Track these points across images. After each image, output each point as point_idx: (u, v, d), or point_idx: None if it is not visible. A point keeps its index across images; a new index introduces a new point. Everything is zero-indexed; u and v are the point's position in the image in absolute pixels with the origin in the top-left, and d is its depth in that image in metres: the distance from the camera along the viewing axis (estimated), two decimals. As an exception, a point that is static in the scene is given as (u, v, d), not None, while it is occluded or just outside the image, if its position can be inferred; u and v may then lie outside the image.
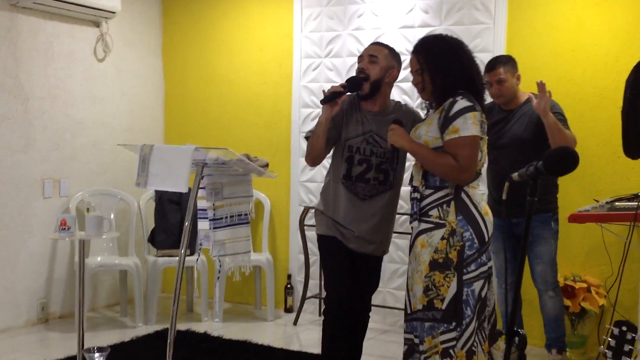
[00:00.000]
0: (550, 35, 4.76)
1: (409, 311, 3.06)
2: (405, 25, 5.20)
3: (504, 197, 2.54)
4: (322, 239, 3.59)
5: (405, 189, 5.15)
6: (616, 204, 3.71)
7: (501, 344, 2.89)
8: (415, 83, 3.13)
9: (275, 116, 5.76)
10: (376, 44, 3.58)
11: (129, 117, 5.91)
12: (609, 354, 2.63)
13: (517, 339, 2.36)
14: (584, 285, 4.54)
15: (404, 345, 3.11)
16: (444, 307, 2.91)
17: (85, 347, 3.93)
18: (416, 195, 3.05)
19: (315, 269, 5.45)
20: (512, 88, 4.10)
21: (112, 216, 5.40)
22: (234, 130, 5.94)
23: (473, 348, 2.92)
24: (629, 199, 3.75)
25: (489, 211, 3.02)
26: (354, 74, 3.54)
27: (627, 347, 2.61)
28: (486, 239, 2.96)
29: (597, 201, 3.84)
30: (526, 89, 4.21)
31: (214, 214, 3.42)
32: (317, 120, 3.54)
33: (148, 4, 6.07)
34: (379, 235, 3.52)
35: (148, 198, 5.60)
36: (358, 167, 3.45)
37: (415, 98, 5.06)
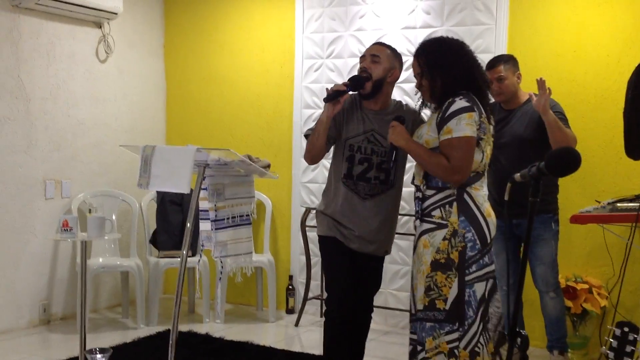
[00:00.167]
0: (552, 36, 4.76)
1: (413, 311, 3.07)
2: (406, 26, 5.20)
3: (506, 197, 2.54)
4: (322, 240, 3.59)
5: (408, 190, 5.17)
6: (618, 204, 3.71)
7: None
8: (417, 86, 3.13)
9: (276, 117, 5.76)
10: (378, 44, 3.59)
11: (131, 117, 5.92)
12: (611, 355, 2.62)
13: (519, 340, 2.36)
14: (586, 286, 4.54)
15: (409, 345, 3.11)
16: (447, 307, 2.91)
17: (87, 348, 3.94)
18: (418, 194, 3.06)
19: (316, 270, 5.45)
20: (513, 86, 4.10)
21: (113, 217, 5.40)
22: (235, 131, 5.94)
23: (476, 349, 2.92)
24: (630, 200, 3.75)
25: (492, 212, 3.02)
26: (355, 74, 3.54)
27: (629, 348, 2.61)
28: (488, 241, 2.96)
29: (599, 202, 3.85)
30: (528, 89, 4.21)
31: (215, 215, 3.42)
32: (318, 118, 3.55)
33: (150, 5, 6.08)
34: (380, 235, 3.52)
35: (150, 199, 5.61)
36: (359, 166, 3.45)
37: (416, 99, 5.05)
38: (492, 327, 3.01)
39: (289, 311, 5.62)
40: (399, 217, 5.15)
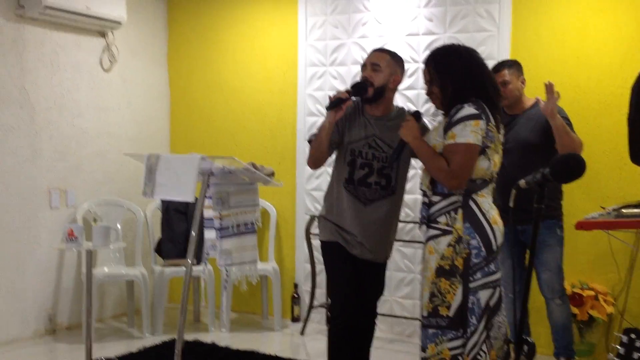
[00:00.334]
0: (555, 42, 4.76)
1: (420, 317, 3.08)
2: (409, 33, 5.21)
3: (511, 204, 2.53)
4: (325, 245, 3.60)
5: (412, 197, 5.17)
6: (623, 210, 3.70)
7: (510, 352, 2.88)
8: (427, 93, 3.14)
9: (280, 124, 5.77)
10: (377, 51, 3.59)
11: (135, 126, 5.93)
12: (618, 361, 2.62)
13: (525, 347, 2.35)
14: (592, 293, 4.52)
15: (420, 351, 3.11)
16: (451, 314, 2.91)
17: (93, 358, 3.94)
18: (425, 199, 3.07)
19: (321, 278, 5.44)
20: (517, 91, 4.10)
21: (118, 226, 5.41)
22: (239, 138, 5.95)
23: (478, 357, 2.92)
24: (635, 206, 3.74)
25: (499, 220, 3.01)
26: (357, 80, 3.55)
27: (636, 355, 2.60)
28: (494, 248, 2.95)
29: (604, 208, 3.83)
30: (531, 95, 4.21)
31: (220, 223, 3.43)
32: (320, 124, 3.57)
33: (153, 13, 6.10)
34: (381, 241, 3.53)
35: (154, 208, 5.61)
36: (360, 171, 3.47)
37: (419, 105, 5.06)
38: (501, 336, 3.00)
39: (295, 319, 5.61)
40: (404, 224, 5.18)
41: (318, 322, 5.52)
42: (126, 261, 5.47)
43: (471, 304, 2.91)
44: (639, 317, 4.32)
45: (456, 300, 2.91)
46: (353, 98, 3.44)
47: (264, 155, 5.75)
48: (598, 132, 4.62)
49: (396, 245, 5.12)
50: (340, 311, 3.49)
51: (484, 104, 2.98)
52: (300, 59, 5.63)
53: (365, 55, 3.63)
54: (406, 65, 5.10)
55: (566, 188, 4.19)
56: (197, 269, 5.19)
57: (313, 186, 5.58)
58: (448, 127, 2.95)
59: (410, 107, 5.10)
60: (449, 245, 2.93)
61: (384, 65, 3.47)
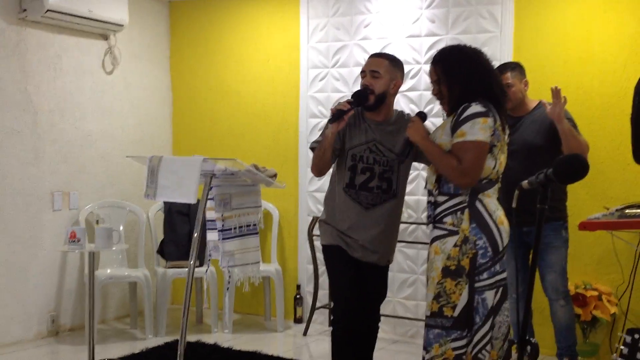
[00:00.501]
0: (558, 43, 4.75)
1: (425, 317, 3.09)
2: (411, 34, 5.21)
3: (513, 205, 2.53)
4: (326, 249, 3.60)
5: (414, 198, 5.17)
6: (626, 211, 3.69)
7: (513, 353, 2.88)
8: (434, 93, 3.15)
9: (283, 126, 5.77)
10: (376, 57, 3.58)
11: (138, 129, 5.93)
12: (622, 362, 2.61)
13: (529, 348, 2.35)
14: (595, 293, 4.52)
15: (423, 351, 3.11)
16: (455, 314, 2.92)
17: (96, 359, 3.94)
18: (431, 199, 3.07)
19: (324, 279, 5.44)
20: (520, 93, 4.09)
21: (121, 228, 5.41)
22: (242, 141, 5.95)
23: (480, 356, 2.93)
24: (639, 206, 3.73)
25: (505, 220, 3.02)
26: (358, 88, 3.56)
27: (639, 355, 2.60)
28: (500, 249, 2.96)
29: (608, 209, 3.83)
30: (534, 97, 4.20)
31: (222, 225, 3.43)
32: (322, 130, 3.58)
33: (156, 16, 6.11)
34: (383, 244, 3.53)
35: (157, 209, 5.61)
36: (361, 176, 3.47)
37: (422, 106, 5.06)
38: (501, 336, 3.01)
39: (297, 320, 5.61)
40: (406, 225, 5.18)
41: (321, 323, 5.52)
42: (129, 263, 5.48)
43: (476, 303, 2.92)
44: (643, 318, 4.31)
45: (462, 300, 2.91)
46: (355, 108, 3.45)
47: (266, 157, 5.75)
48: (601, 133, 4.61)
49: (399, 246, 5.10)
50: (342, 315, 3.50)
51: (491, 104, 3.00)
52: (303, 60, 5.63)
53: (366, 58, 3.64)
54: (408, 67, 5.16)
55: (569, 189, 4.18)
56: (200, 271, 5.20)
57: (315, 187, 5.58)
58: (456, 125, 2.95)
59: (413, 108, 5.11)
60: (456, 245, 2.93)
61: (383, 72, 3.47)
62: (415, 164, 5.01)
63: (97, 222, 4.36)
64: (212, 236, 3.52)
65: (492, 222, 2.95)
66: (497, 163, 3.01)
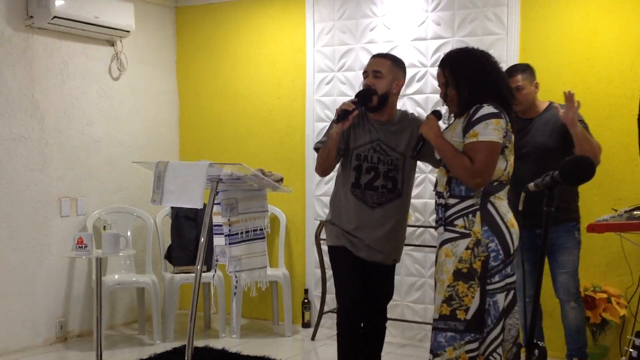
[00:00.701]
0: (564, 44, 4.73)
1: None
2: (417, 37, 5.20)
3: (520, 207, 2.52)
4: (332, 250, 3.62)
5: (421, 201, 5.15)
6: (635, 212, 3.66)
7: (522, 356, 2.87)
8: (442, 96, 3.14)
9: (289, 130, 5.76)
10: (378, 57, 3.60)
11: (145, 134, 5.94)
12: (631, 365, 2.59)
13: (536, 351, 2.34)
14: (604, 295, 4.49)
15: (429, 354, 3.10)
16: (468, 317, 2.91)
17: (104, 365, 3.94)
18: (441, 201, 3.05)
19: (332, 283, 5.38)
20: (530, 96, 4.07)
21: (128, 234, 5.42)
22: (248, 145, 5.95)
23: (491, 358, 2.93)
24: (647, 208, 3.71)
25: (515, 223, 3.02)
26: (361, 89, 3.58)
27: (649, 358, 2.57)
28: (511, 251, 2.96)
29: (616, 210, 3.80)
30: (540, 98, 4.18)
31: (229, 230, 3.43)
32: (326, 130, 3.59)
33: (162, 22, 6.12)
34: (389, 243, 3.53)
35: (164, 215, 5.62)
36: (366, 175, 3.48)
37: (428, 109, 5.05)
38: (511, 338, 3.00)
39: (305, 325, 5.60)
40: (414, 228, 5.16)
41: (329, 328, 5.50)
42: (137, 268, 5.48)
43: (488, 306, 2.92)
44: (653, 320, 4.27)
45: (474, 303, 2.91)
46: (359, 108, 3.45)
47: (273, 162, 5.75)
48: (609, 134, 4.59)
49: (407, 249, 5.10)
50: (347, 315, 3.50)
51: (500, 106, 3.00)
52: (309, 64, 5.63)
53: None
54: (415, 70, 5.16)
55: (579, 190, 4.16)
56: (207, 276, 5.19)
57: (322, 191, 5.57)
58: (468, 126, 2.95)
59: (420, 111, 5.10)
60: (468, 248, 2.93)
61: (385, 72, 3.49)
62: (422, 166, 5.03)
63: (105, 227, 4.37)
64: (219, 241, 3.52)
65: (503, 224, 2.95)
66: (507, 164, 3.02)
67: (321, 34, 5.58)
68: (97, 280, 4.17)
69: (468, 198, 2.97)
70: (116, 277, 5.25)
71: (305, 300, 5.62)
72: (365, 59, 5.35)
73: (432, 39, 5.14)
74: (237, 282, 3.53)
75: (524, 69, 4.09)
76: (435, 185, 3.13)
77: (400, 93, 5.03)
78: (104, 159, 5.58)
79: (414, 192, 5.11)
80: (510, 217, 3.00)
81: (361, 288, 3.51)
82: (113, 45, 5.64)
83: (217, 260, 3.61)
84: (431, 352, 3.00)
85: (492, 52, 4.83)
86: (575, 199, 4.13)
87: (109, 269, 5.28)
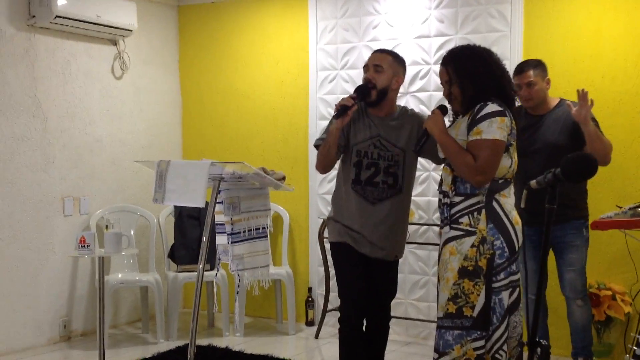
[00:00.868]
0: (568, 41, 4.71)
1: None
2: (420, 35, 5.18)
3: (522, 205, 2.51)
4: (334, 246, 3.63)
5: (425, 199, 5.14)
6: (639, 209, 3.65)
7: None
8: (445, 94, 3.13)
9: (292, 129, 5.76)
10: (379, 52, 3.61)
11: (147, 133, 5.94)
12: (636, 363, 2.58)
13: (539, 349, 2.32)
14: (609, 293, 4.47)
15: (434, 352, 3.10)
16: (474, 314, 2.91)
17: (107, 364, 3.94)
18: (446, 200, 3.04)
19: (335, 282, 5.41)
20: (542, 92, 4.03)
21: (132, 233, 5.42)
22: (251, 144, 5.94)
23: (497, 356, 2.93)
24: (652, 205, 3.69)
25: (519, 220, 3.02)
26: (360, 83, 3.58)
27: (653, 356, 2.56)
28: (516, 249, 2.96)
29: (620, 207, 3.79)
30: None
31: (231, 228, 3.43)
32: (326, 127, 3.60)
33: (164, 21, 6.11)
34: (390, 239, 3.53)
35: (167, 214, 5.62)
36: (367, 171, 3.48)
37: (431, 107, 5.03)
38: (516, 335, 3.01)
39: (309, 323, 5.60)
40: (417, 226, 5.15)
41: (332, 326, 5.49)
42: (140, 267, 5.48)
43: (493, 304, 2.92)
44: (658, 318, 4.26)
45: (480, 301, 2.91)
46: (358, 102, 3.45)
47: (276, 160, 5.74)
48: (614, 131, 4.56)
49: (410, 247, 5.10)
50: (350, 312, 3.50)
51: (504, 104, 3.00)
52: (312, 63, 5.62)
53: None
54: (418, 68, 5.14)
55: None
56: (210, 274, 5.19)
57: (326, 190, 5.56)
58: (472, 123, 2.95)
59: (423, 109, 5.08)
60: (473, 246, 2.93)
61: (386, 66, 3.49)
62: (425, 164, 5.02)
63: (107, 227, 4.37)
64: (221, 240, 3.52)
65: (508, 222, 2.95)
66: (512, 162, 3.02)
67: (324, 32, 5.56)
68: (100, 279, 4.17)
69: (473, 196, 2.97)
70: (120, 276, 5.25)
71: (309, 299, 5.62)
72: (368, 57, 5.33)
73: (435, 37, 5.13)
74: (239, 280, 3.53)
75: (536, 64, 4.05)
76: (440, 185, 3.12)
77: (404, 91, 5.12)
78: (107, 159, 5.58)
79: (417, 190, 5.12)
80: (514, 214, 3.00)
81: (364, 284, 3.51)
82: (115, 45, 5.64)
83: (219, 259, 3.61)
84: (437, 351, 2.99)
85: (495, 49, 4.80)
86: (584, 197, 4.11)
87: (112, 268, 5.28)
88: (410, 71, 5.16)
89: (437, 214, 3.18)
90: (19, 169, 4.93)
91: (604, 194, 4.55)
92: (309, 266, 5.72)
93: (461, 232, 2.96)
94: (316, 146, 3.61)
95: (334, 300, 5.43)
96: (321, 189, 5.60)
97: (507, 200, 3.00)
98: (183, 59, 6.26)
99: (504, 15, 4.89)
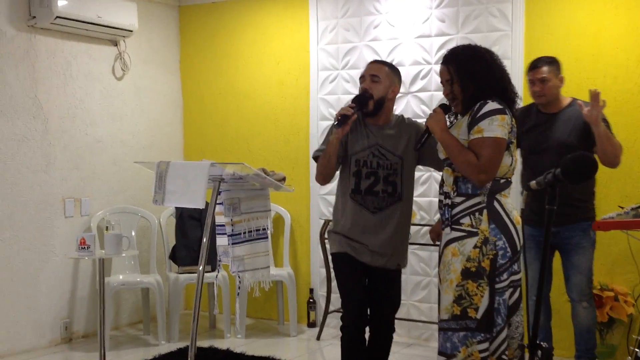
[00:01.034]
0: (570, 40, 4.69)
1: (438, 320, 3.06)
2: (421, 34, 5.17)
3: (522, 206, 2.49)
4: (335, 257, 3.62)
5: (426, 200, 5.12)
6: (641, 210, 3.63)
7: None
8: (445, 93, 3.12)
9: (293, 129, 5.74)
10: (375, 63, 3.63)
11: (149, 134, 5.93)
12: (638, 365, 2.56)
13: (539, 352, 2.31)
14: (612, 294, 4.46)
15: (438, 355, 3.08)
16: (479, 316, 2.90)
17: (107, 366, 3.93)
18: (447, 201, 3.03)
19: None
20: (555, 88, 4.00)
21: (133, 234, 5.41)
22: (252, 144, 5.93)
23: (503, 357, 2.92)
24: (654, 205, 3.67)
25: (520, 220, 3.01)
26: (358, 93, 3.58)
27: (656, 358, 2.54)
28: (518, 248, 2.96)
29: (622, 208, 3.77)
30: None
31: (232, 230, 3.42)
32: (324, 138, 3.60)
33: (165, 21, 6.10)
34: (392, 247, 3.51)
35: (169, 215, 5.61)
36: (366, 181, 3.48)
37: (432, 107, 5.00)
38: (518, 336, 2.99)
39: (311, 325, 5.58)
40: (419, 227, 5.13)
41: (334, 327, 5.47)
42: (141, 269, 5.47)
43: (497, 304, 2.91)
44: (661, 318, 4.24)
45: (484, 302, 2.90)
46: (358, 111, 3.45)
47: (277, 161, 5.73)
48: (616, 131, 4.50)
49: (412, 248, 5.08)
50: (351, 319, 3.49)
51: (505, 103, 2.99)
52: (312, 63, 5.61)
53: (378, 58, 3.63)
54: (419, 67, 5.14)
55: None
56: (211, 275, 5.18)
57: (327, 191, 5.55)
58: (473, 122, 2.94)
59: (425, 109, 5.07)
60: (475, 246, 2.92)
61: (383, 77, 3.51)
62: (425, 169, 4.99)
63: (107, 228, 4.36)
64: (221, 241, 3.51)
65: (509, 222, 2.95)
66: (513, 160, 3.02)
67: (325, 32, 5.55)
68: (100, 281, 4.16)
69: (474, 196, 2.96)
70: (121, 277, 5.24)
71: (311, 300, 5.60)
72: (369, 57, 5.33)
73: (437, 36, 5.11)
74: (240, 282, 3.52)
75: (550, 61, 4.02)
76: (441, 186, 3.10)
77: (405, 91, 5.10)
78: (108, 159, 5.57)
79: (419, 190, 5.11)
80: (515, 214, 2.99)
81: (365, 291, 3.50)
82: (116, 45, 5.63)
83: (220, 260, 3.60)
84: (442, 354, 2.97)
85: (496, 48, 4.84)
86: (592, 198, 4.07)
87: (113, 270, 5.27)
88: (411, 71, 5.17)
89: (439, 215, 3.16)
90: (20, 170, 4.92)
91: (605, 194, 4.53)
92: (310, 267, 5.70)
93: (463, 233, 2.95)
94: (315, 158, 3.60)
95: (336, 301, 5.42)
96: (322, 190, 5.59)
97: (508, 200, 3.00)
98: (184, 59, 6.25)
99: (505, 14, 4.87)
